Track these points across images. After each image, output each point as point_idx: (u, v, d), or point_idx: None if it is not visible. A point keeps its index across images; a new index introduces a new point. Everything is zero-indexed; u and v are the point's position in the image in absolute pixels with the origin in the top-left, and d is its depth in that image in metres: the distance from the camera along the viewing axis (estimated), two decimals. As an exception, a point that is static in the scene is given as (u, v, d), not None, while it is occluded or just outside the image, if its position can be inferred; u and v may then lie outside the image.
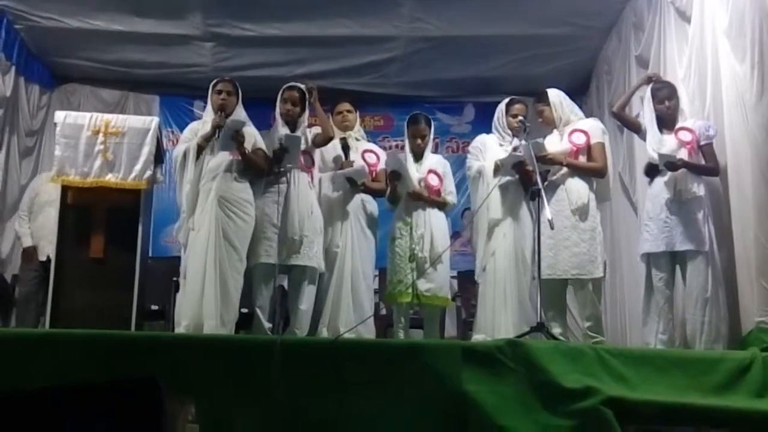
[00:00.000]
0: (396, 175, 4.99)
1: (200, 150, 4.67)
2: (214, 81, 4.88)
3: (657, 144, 4.58)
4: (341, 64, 7.14)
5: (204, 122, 4.84)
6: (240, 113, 4.81)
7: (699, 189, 4.43)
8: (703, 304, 4.31)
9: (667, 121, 4.67)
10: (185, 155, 4.67)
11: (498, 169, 4.80)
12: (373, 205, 5.12)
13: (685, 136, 4.52)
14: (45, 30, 6.57)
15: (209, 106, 4.85)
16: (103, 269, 4.69)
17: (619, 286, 6.13)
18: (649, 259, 4.57)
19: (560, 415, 3.31)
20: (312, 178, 4.91)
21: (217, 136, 4.66)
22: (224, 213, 4.55)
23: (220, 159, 4.65)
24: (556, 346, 3.65)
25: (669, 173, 4.49)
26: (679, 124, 4.62)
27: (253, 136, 4.79)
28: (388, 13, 6.43)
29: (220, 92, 4.77)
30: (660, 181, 4.55)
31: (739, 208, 4.28)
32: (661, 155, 4.50)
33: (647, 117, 4.72)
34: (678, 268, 4.52)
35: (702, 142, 4.52)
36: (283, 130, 4.84)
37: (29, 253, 6.04)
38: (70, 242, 4.73)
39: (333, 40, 6.82)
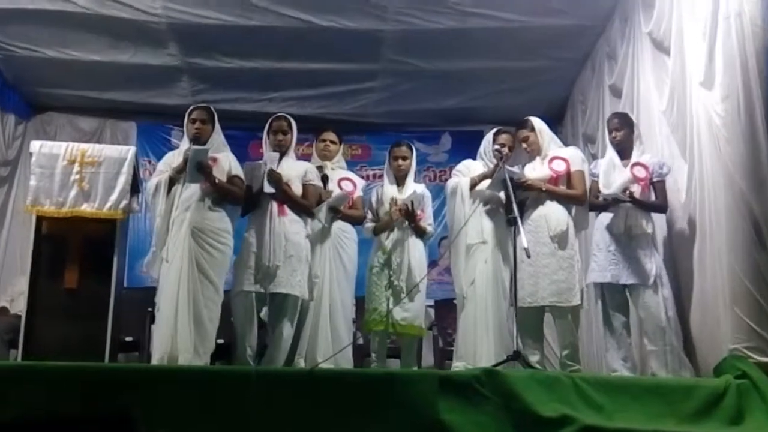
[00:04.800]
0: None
1: (172, 183, 4.60)
2: (190, 109, 4.81)
3: (606, 182, 4.67)
4: (320, 94, 7.20)
5: (179, 152, 4.76)
6: (217, 140, 4.74)
7: (648, 226, 4.54)
8: (661, 334, 4.40)
9: (619, 151, 4.75)
10: (157, 188, 4.61)
11: (475, 185, 4.81)
12: (352, 233, 5.10)
13: (640, 172, 4.59)
14: (21, 59, 6.56)
15: (185, 135, 4.79)
16: (78, 300, 4.63)
17: (594, 314, 6.14)
18: (601, 287, 4.65)
19: (537, 444, 3.31)
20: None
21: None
22: (198, 244, 4.47)
23: (193, 188, 4.57)
24: (533, 375, 3.66)
25: (617, 208, 4.59)
26: (634, 159, 4.67)
27: (228, 163, 4.71)
28: (369, 52, 6.52)
29: (194, 121, 4.70)
30: (609, 213, 4.64)
31: (713, 237, 4.32)
32: (606, 194, 4.61)
33: (608, 151, 4.84)
34: (629, 296, 4.62)
35: (654, 179, 4.62)
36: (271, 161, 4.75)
37: None
38: (44, 273, 4.68)
39: (312, 74, 6.89)
